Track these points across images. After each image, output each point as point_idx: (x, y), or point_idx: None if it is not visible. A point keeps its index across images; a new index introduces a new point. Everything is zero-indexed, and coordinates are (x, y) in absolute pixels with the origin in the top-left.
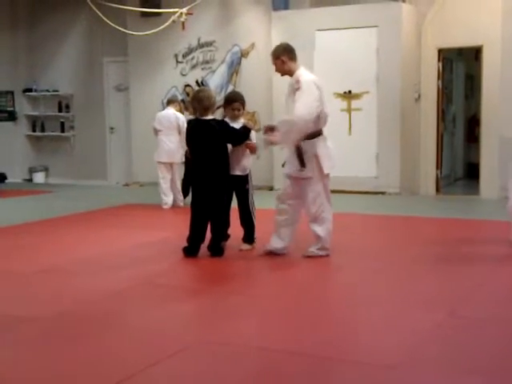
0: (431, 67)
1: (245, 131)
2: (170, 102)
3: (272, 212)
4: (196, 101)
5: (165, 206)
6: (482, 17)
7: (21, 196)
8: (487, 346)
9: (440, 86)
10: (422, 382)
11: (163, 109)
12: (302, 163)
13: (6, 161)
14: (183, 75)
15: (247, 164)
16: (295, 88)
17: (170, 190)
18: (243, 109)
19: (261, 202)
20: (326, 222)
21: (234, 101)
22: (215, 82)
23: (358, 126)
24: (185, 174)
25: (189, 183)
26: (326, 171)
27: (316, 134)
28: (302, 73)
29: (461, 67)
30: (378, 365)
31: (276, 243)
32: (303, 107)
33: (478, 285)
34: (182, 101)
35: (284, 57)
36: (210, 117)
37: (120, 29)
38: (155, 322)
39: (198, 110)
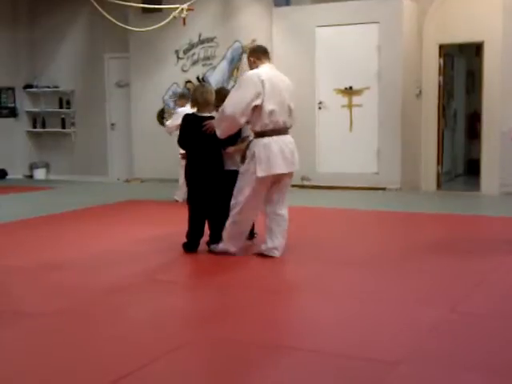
0: (432, 63)
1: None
2: (186, 97)
3: None
4: (200, 93)
5: None
6: (483, 13)
7: (22, 192)
8: (489, 341)
9: (441, 82)
10: (425, 377)
11: (164, 105)
12: (243, 158)
13: (7, 157)
14: (184, 71)
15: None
16: None
17: None
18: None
19: None
20: (231, 220)
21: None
22: (216, 78)
23: (359, 122)
24: None
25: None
26: (258, 174)
27: (265, 133)
28: (254, 70)
29: (462, 63)
30: (382, 360)
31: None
32: (227, 102)
33: (478, 280)
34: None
35: (252, 57)
36: (207, 114)
37: (121, 25)
38: (156, 318)
39: (199, 103)
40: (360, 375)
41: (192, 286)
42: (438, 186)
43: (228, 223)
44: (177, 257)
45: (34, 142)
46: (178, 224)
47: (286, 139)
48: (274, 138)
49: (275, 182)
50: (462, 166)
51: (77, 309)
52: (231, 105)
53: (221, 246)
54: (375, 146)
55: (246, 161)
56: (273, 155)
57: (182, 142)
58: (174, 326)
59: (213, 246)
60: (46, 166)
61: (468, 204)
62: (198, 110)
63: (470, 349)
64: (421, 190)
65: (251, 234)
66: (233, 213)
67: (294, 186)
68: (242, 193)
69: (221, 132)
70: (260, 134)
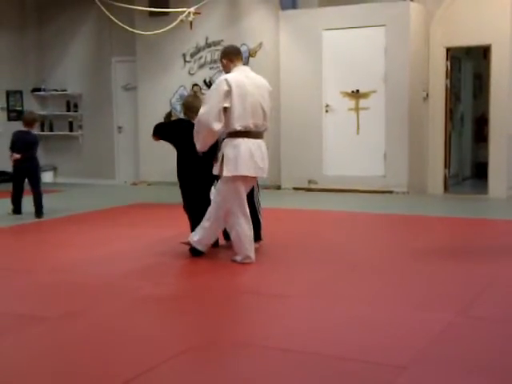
0: (439, 66)
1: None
2: None
3: (279, 211)
4: (199, 102)
5: None
6: (491, 16)
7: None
8: (496, 345)
9: (448, 85)
10: (433, 382)
11: (171, 108)
12: (215, 158)
13: None
14: (191, 74)
15: None
16: None
17: None
18: None
19: (268, 202)
20: (235, 226)
21: None
22: None
23: (366, 125)
24: None
25: None
26: (224, 174)
27: (235, 134)
28: (223, 76)
29: (469, 66)
30: (389, 365)
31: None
32: (201, 111)
33: (486, 284)
34: None
35: (224, 59)
36: None
37: (128, 28)
38: (161, 322)
39: (196, 112)
40: (366, 379)
41: (198, 288)
42: (446, 189)
43: (233, 236)
44: (182, 260)
45: (42, 145)
46: (185, 227)
47: (258, 143)
48: (245, 139)
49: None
50: (470, 169)
51: (83, 312)
52: (205, 113)
53: (236, 258)
54: (382, 149)
55: (218, 162)
56: (240, 156)
57: (162, 133)
58: (179, 330)
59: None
60: (54, 169)
61: (475, 207)
62: (191, 117)
63: (477, 353)
64: (428, 194)
65: (258, 237)
66: (232, 221)
67: (300, 189)
68: (227, 199)
69: (200, 145)
70: (230, 135)
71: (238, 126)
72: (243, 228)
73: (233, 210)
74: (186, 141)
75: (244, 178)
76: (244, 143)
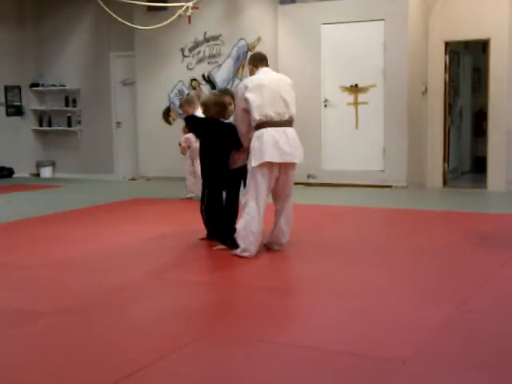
0: (438, 60)
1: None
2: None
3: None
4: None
5: None
6: (489, 10)
7: (29, 190)
8: (497, 339)
9: (447, 80)
10: (433, 376)
11: (170, 103)
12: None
13: (13, 155)
14: (189, 69)
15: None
16: None
17: None
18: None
19: (267, 197)
20: (245, 217)
21: None
22: (221, 77)
23: (365, 120)
24: None
25: None
26: (252, 164)
27: (259, 126)
28: (244, 79)
29: (468, 60)
30: (389, 359)
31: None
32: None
33: (486, 278)
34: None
35: (249, 66)
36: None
37: (126, 23)
38: (162, 317)
39: (224, 112)
40: (366, 373)
41: (201, 284)
42: (445, 183)
43: (240, 227)
44: (183, 254)
45: (41, 140)
46: (184, 222)
47: (283, 130)
48: (268, 129)
49: (278, 176)
50: (469, 163)
51: (82, 307)
52: (234, 118)
53: (236, 252)
54: (381, 144)
55: (249, 155)
56: (264, 145)
57: (198, 131)
58: (181, 324)
59: (233, 252)
60: (53, 164)
61: (474, 201)
62: (221, 116)
63: (477, 347)
64: (427, 188)
65: None
66: (245, 211)
67: (299, 183)
68: (249, 190)
69: (244, 142)
70: (255, 128)
71: (257, 116)
72: (252, 221)
73: (249, 201)
74: (223, 138)
75: (269, 168)
76: (266, 132)
